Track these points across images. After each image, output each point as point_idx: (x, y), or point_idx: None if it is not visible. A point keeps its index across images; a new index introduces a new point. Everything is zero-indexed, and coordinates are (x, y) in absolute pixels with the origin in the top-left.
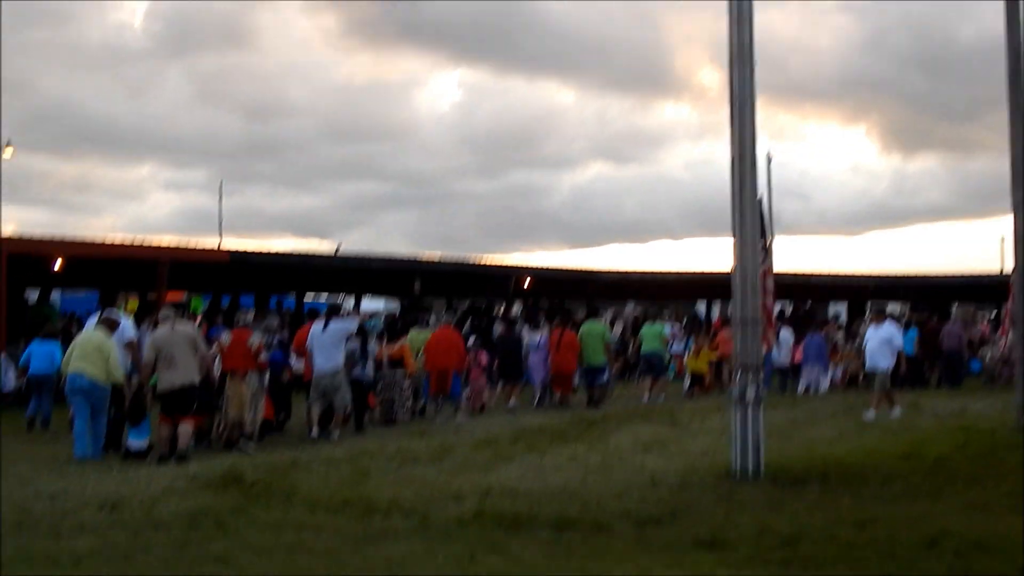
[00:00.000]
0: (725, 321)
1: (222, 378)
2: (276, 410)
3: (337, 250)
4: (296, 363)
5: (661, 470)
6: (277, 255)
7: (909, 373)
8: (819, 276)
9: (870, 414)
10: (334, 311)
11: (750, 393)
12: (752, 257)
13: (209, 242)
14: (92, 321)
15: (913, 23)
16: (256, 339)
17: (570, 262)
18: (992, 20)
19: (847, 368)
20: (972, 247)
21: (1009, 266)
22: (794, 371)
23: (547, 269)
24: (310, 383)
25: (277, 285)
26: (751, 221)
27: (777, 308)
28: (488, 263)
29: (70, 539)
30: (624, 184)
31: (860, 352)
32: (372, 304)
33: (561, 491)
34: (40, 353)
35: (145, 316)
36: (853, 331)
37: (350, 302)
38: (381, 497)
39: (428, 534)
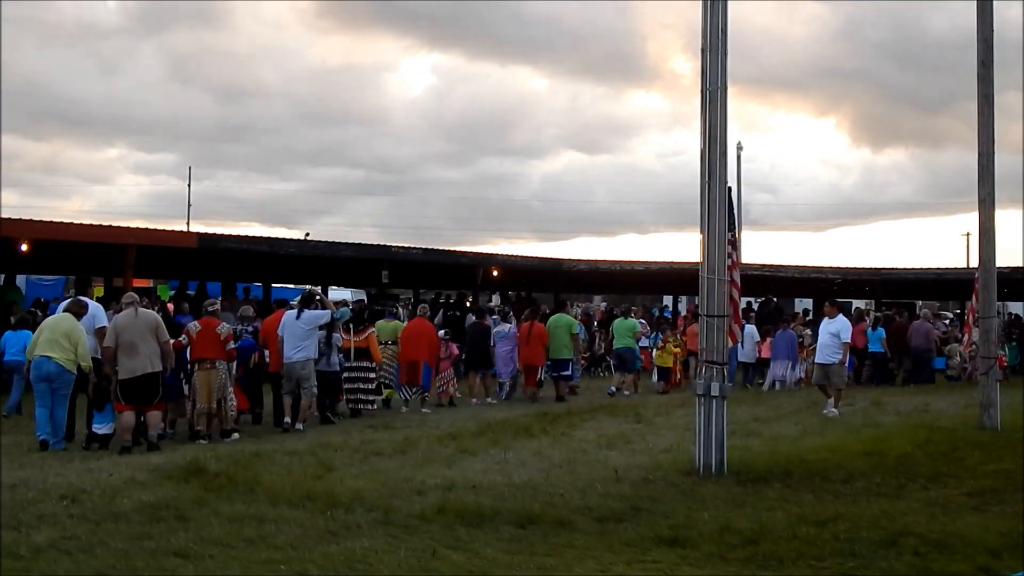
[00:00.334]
0: (694, 315)
1: (190, 367)
2: (252, 401)
3: (306, 237)
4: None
5: (624, 466)
6: (246, 239)
7: (876, 370)
8: (785, 269)
9: (831, 410)
10: (309, 299)
11: (714, 389)
12: (719, 251)
13: (177, 227)
14: (60, 307)
15: (886, 14)
16: (225, 328)
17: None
18: (964, 11)
19: (812, 365)
20: (938, 243)
21: (974, 262)
22: (759, 366)
23: (515, 258)
24: (275, 374)
25: (245, 272)
26: (720, 213)
27: (743, 303)
28: (457, 251)
29: (30, 530)
30: (595, 174)
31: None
32: (339, 293)
33: (524, 486)
34: (15, 340)
35: (111, 302)
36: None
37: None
38: (344, 491)
39: (390, 529)
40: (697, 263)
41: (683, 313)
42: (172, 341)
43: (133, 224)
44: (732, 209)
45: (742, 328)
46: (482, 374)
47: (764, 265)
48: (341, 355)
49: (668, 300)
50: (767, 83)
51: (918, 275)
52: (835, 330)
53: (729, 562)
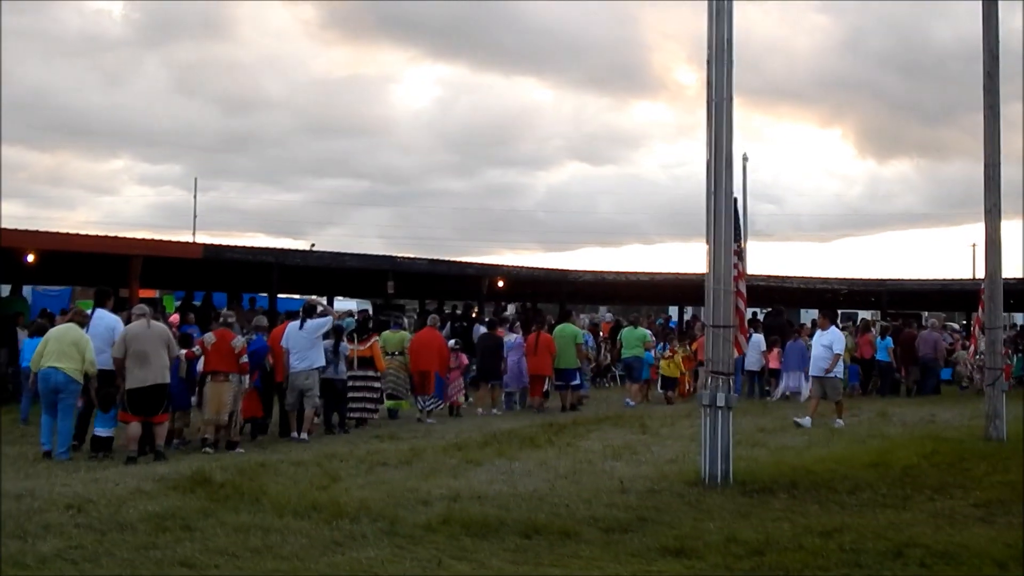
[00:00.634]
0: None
1: (201, 378)
2: (264, 409)
3: (311, 248)
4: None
5: (630, 476)
6: (251, 250)
7: (883, 380)
8: (791, 280)
9: (838, 422)
10: (310, 310)
11: (720, 399)
12: (725, 261)
13: (183, 239)
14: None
15: (890, 24)
16: (240, 342)
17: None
18: (969, 22)
19: None
20: (943, 254)
21: (980, 273)
22: (765, 375)
23: (521, 269)
24: (280, 384)
25: (250, 283)
26: (725, 224)
27: (749, 313)
28: (462, 262)
29: (36, 540)
30: (599, 185)
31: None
32: (344, 304)
33: (530, 497)
34: (32, 348)
35: (116, 313)
36: None
37: (323, 300)
38: (350, 501)
39: (396, 539)
40: (703, 274)
41: (689, 319)
42: (184, 351)
43: (138, 235)
44: (738, 220)
45: (748, 338)
46: (492, 385)
47: (770, 276)
48: (345, 364)
49: (674, 311)
50: (772, 94)
51: (924, 286)
52: (828, 342)
53: (735, 573)
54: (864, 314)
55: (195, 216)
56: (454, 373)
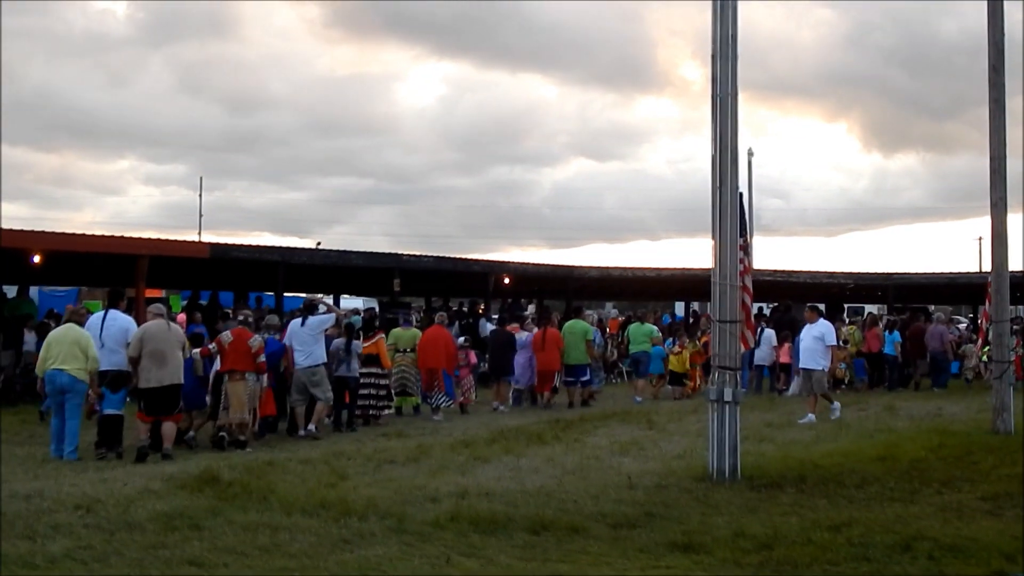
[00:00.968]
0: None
1: (218, 377)
2: (278, 408)
3: (317, 246)
4: None
5: (638, 472)
6: (257, 248)
7: (892, 374)
8: (797, 275)
9: (810, 417)
10: (311, 307)
11: (727, 394)
12: (731, 256)
13: (189, 238)
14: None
15: (895, 18)
16: (257, 341)
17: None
18: (974, 16)
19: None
20: (950, 248)
21: (987, 266)
22: (775, 370)
23: (527, 265)
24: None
25: (257, 282)
26: (731, 219)
27: (755, 309)
28: (468, 259)
29: (45, 540)
30: (605, 181)
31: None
32: (351, 302)
33: (537, 493)
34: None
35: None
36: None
37: (328, 299)
38: (358, 499)
39: (404, 536)
40: (709, 269)
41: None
42: (200, 349)
43: (145, 235)
44: (743, 215)
45: (755, 333)
46: (504, 381)
47: (776, 271)
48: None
49: (680, 306)
50: (777, 89)
51: (930, 280)
52: (819, 334)
53: (743, 567)
54: (871, 308)
55: (201, 215)
56: (464, 371)
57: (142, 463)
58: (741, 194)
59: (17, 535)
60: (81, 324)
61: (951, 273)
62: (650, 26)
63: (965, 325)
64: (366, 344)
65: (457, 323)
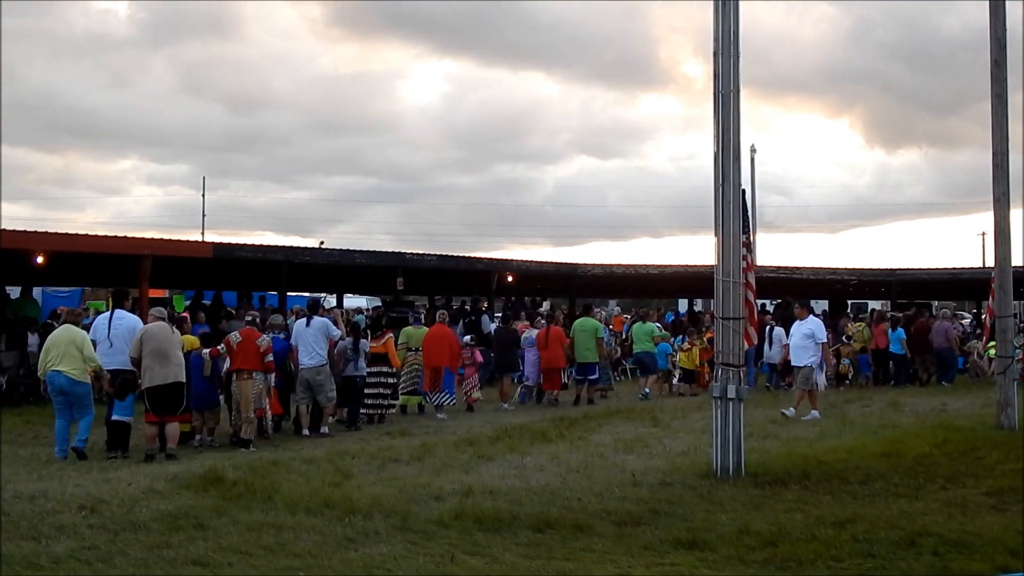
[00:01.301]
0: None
1: (227, 377)
2: (284, 406)
3: (320, 245)
4: None
5: (642, 469)
6: (260, 248)
7: (899, 371)
8: (800, 271)
9: (790, 411)
10: (315, 307)
11: (731, 391)
12: (734, 253)
13: (192, 238)
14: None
15: (897, 14)
16: (265, 341)
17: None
18: (976, 11)
19: (836, 367)
20: (953, 243)
21: (990, 261)
22: (786, 370)
23: (530, 263)
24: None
25: (260, 281)
26: (734, 216)
27: (758, 305)
28: (471, 257)
29: (49, 541)
30: (608, 179)
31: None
32: (354, 301)
33: (542, 491)
34: None
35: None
36: (840, 329)
37: (332, 298)
38: (362, 497)
39: (409, 535)
40: (712, 266)
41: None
42: (210, 350)
43: (148, 235)
44: (746, 211)
45: (758, 330)
46: (508, 378)
47: (779, 267)
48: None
49: (684, 303)
50: (779, 85)
51: (933, 275)
52: (808, 331)
53: (748, 564)
54: (874, 304)
55: (204, 215)
56: (469, 369)
57: (148, 463)
58: (744, 191)
59: (21, 536)
60: (78, 325)
61: (954, 269)
62: (652, 23)
63: (968, 321)
64: (374, 343)
65: (461, 321)
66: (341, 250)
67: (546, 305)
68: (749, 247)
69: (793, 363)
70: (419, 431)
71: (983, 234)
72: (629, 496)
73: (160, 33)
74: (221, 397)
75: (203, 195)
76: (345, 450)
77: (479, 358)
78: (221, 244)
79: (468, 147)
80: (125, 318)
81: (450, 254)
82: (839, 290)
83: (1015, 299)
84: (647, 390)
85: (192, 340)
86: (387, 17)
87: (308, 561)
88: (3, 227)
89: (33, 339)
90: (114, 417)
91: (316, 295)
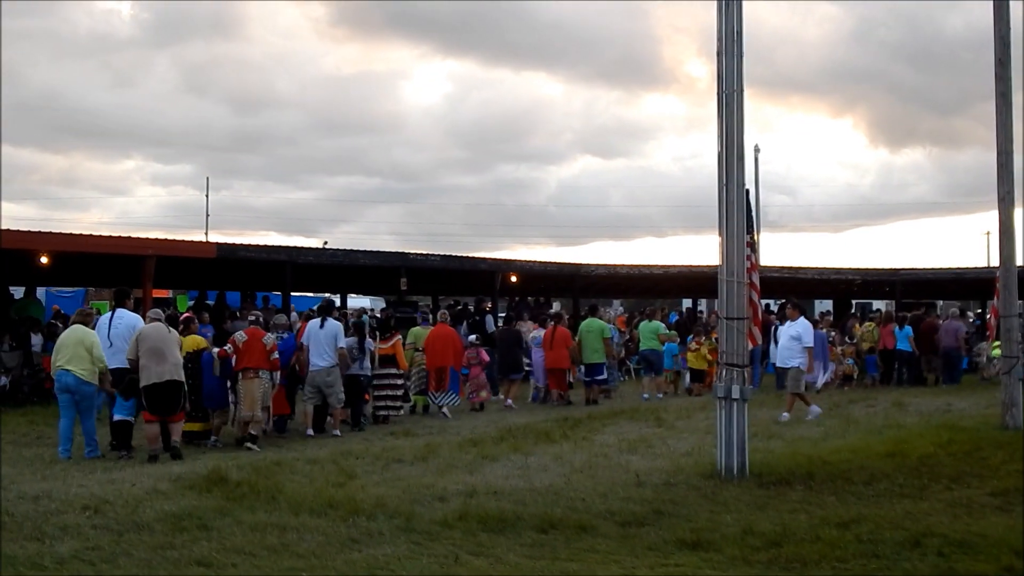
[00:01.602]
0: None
1: (233, 376)
2: (291, 406)
3: (324, 246)
4: None
5: (646, 470)
6: (264, 248)
7: (907, 370)
8: (804, 271)
9: (784, 415)
10: (328, 308)
11: (735, 391)
12: (738, 253)
13: (195, 238)
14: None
15: (901, 13)
16: (270, 339)
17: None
18: (980, 10)
19: (839, 367)
20: (957, 242)
21: (994, 261)
22: None
23: (533, 263)
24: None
25: (264, 281)
26: (738, 215)
27: (762, 305)
28: (475, 257)
29: (53, 541)
30: (611, 179)
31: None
32: (359, 301)
33: (546, 491)
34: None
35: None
36: (848, 329)
37: (335, 299)
38: (366, 498)
39: (413, 535)
40: (715, 266)
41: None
42: (218, 350)
43: (151, 235)
44: (750, 211)
45: (762, 330)
46: (512, 378)
47: (783, 267)
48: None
49: (687, 303)
50: (783, 85)
51: (938, 275)
52: (796, 333)
53: (752, 565)
54: (879, 304)
55: (207, 215)
56: (475, 369)
57: (151, 464)
58: (747, 190)
59: (25, 536)
60: (89, 325)
61: (959, 268)
62: (655, 23)
63: (972, 319)
64: (383, 345)
65: (465, 322)
66: (345, 250)
67: (557, 306)
68: (753, 247)
69: (778, 364)
70: (423, 431)
71: (988, 233)
72: (633, 496)
73: (163, 33)
74: (232, 397)
75: (207, 195)
76: (349, 450)
77: (485, 358)
78: (225, 244)
79: (471, 147)
80: (125, 317)
81: (453, 254)
82: (843, 290)
83: (1020, 298)
84: (646, 395)
85: (199, 340)
86: (390, 17)
87: (312, 562)
88: (8, 227)
89: (36, 339)
90: (116, 417)
91: (321, 295)
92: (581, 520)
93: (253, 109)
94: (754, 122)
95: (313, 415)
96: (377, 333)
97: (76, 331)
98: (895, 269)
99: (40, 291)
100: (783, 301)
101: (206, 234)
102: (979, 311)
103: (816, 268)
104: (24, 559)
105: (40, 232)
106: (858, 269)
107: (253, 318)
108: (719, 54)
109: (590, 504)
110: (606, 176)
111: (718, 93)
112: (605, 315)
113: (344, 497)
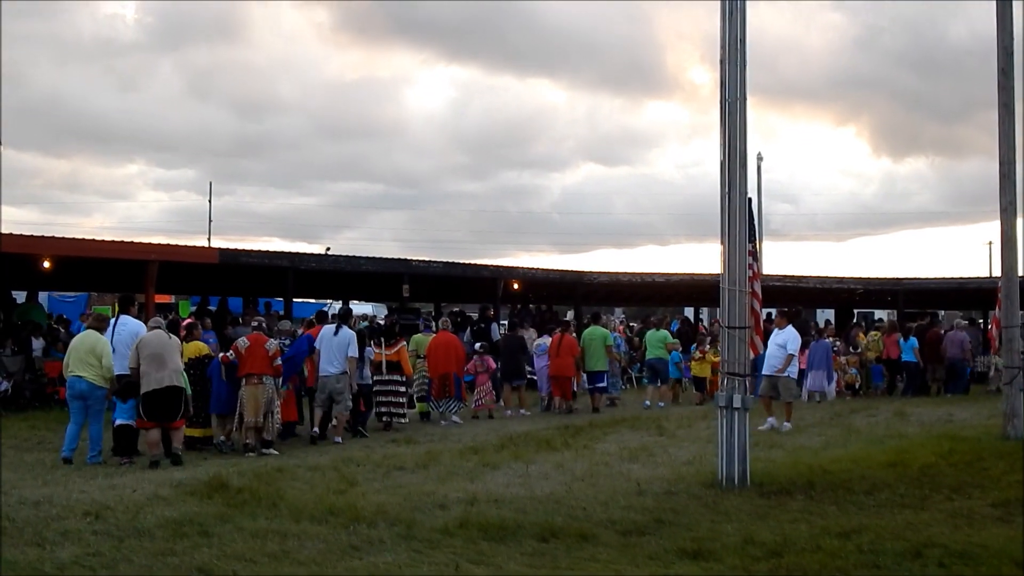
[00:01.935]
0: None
1: (236, 383)
2: (299, 412)
3: (327, 252)
4: None
5: (647, 479)
6: (267, 254)
7: (911, 381)
8: (806, 280)
9: (785, 424)
10: (347, 316)
11: (736, 401)
12: (740, 262)
13: (198, 243)
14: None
15: (904, 22)
16: (273, 345)
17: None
18: (983, 19)
19: (843, 376)
20: (960, 252)
21: (997, 271)
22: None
23: (536, 271)
24: (312, 388)
25: (266, 287)
26: (740, 224)
27: (764, 314)
28: (477, 264)
29: (54, 547)
30: (614, 186)
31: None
32: (361, 308)
33: (547, 500)
34: None
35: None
36: (851, 338)
37: (336, 305)
38: (367, 505)
39: (413, 543)
40: (718, 274)
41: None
42: (221, 356)
43: (154, 240)
44: (752, 220)
45: (764, 339)
46: (516, 385)
47: (785, 276)
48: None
49: (690, 312)
50: (786, 93)
51: (940, 284)
52: (782, 341)
53: (752, 574)
54: (880, 313)
55: (210, 220)
56: (482, 377)
57: (152, 470)
58: (750, 199)
59: (26, 541)
60: (101, 330)
61: (961, 278)
62: (658, 30)
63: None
64: (388, 351)
65: (469, 329)
66: (347, 256)
67: (570, 315)
68: (755, 256)
69: (764, 372)
70: (424, 439)
71: (990, 243)
72: (634, 505)
73: (167, 37)
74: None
75: (210, 200)
76: (350, 457)
77: (492, 365)
78: (227, 250)
79: (474, 153)
80: (128, 324)
81: (456, 261)
82: (846, 299)
83: (1022, 309)
84: (647, 402)
85: (200, 346)
86: (394, 22)
87: (312, 569)
88: (11, 231)
89: (38, 343)
90: (118, 421)
91: (323, 302)
92: (582, 529)
93: (256, 114)
94: (757, 130)
95: (320, 421)
96: (382, 339)
97: (88, 337)
98: (898, 278)
99: (42, 296)
100: (785, 310)
101: (208, 239)
102: (981, 321)
103: (818, 277)
104: (25, 564)
105: (42, 236)
106: (860, 278)
107: (256, 324)
108: (722, 61)
109: (591, 513)
110: (609, 183)
111: (721, 101)
112: (609, 323)
113: (345, 504)
